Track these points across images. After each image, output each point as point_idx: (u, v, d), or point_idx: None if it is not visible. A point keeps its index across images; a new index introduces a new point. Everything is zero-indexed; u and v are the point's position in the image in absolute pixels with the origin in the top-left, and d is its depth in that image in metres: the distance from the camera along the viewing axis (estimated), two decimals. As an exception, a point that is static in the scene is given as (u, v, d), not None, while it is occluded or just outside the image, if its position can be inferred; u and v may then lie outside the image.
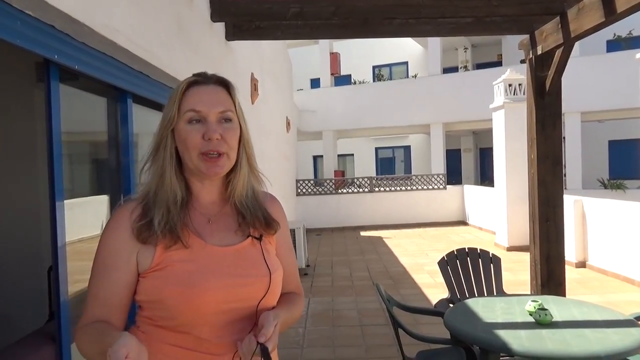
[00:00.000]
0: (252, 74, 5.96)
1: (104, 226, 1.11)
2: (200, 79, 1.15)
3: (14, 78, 3.75)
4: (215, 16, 3.96)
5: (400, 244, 10.25)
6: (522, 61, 4.71)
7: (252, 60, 6.14)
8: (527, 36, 4.36)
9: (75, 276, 2.47)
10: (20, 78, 3.70)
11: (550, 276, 4.20)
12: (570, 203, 7.37)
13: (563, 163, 4.57)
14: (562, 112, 4.29)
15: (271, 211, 1.24)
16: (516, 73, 9.28)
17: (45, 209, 2.01)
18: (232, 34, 4.41)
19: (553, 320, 2.57)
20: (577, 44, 3.37)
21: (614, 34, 15.36)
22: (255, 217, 1.18)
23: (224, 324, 1.07)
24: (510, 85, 9.19)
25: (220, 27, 4.27)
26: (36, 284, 3.52)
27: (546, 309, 2.59)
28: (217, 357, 1.07)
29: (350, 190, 13.97)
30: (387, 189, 13.86)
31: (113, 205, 2.84)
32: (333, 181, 14.09)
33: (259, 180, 1.24)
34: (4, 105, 3.77)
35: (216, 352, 1.07)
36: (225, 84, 1.17)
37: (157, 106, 3.08)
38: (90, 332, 1.04)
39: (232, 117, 1.14)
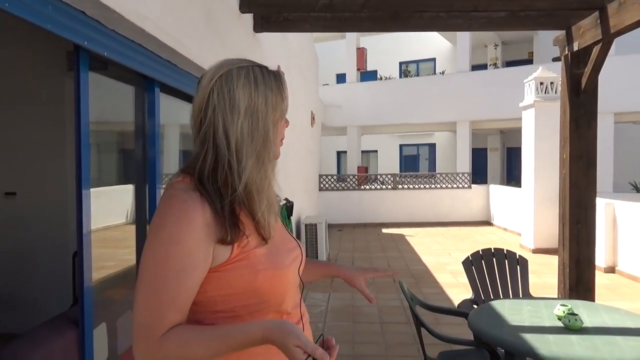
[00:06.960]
0: (278, 66, 5.94)
1: (165, 220, 0.97)
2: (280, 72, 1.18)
3: (46, 68, 3.82)
4: (244, 7, 3.94)
5: (422, 242, 10.13)
6: (555, 59, 4.56)
7: (278, 53, 6.12)
8: (562, 32, 4.22)
9: (101, 262, 2.49)
10: (52, 67, 3.77)
11: (579, 280, 4.08)
12: (601, 206, 7.14)
13: (596, 164, 4.41)
14: (597, 111, 4.14)
15: None
16: (548, 71, 9.03)
17: (73, 196, 2.02)
18: (260, 25, 4.39)
19: (583, 325, 2.48)
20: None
21: (653, 33, 14.79)
22: None
23: (295, 295, 1.15)
24: (541, 83, 8.95)
25: (248, 18, 4.25)
26: (63, 269, 3.58)
27: (576, 314, 2.50)
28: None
29: (373, 187, 13.87)
30: (411, 186, 13.71)
31: (139, 194, 2.85)
32: (356, 177, 14.01)
33: None
34: (36, 93, 3.84)
35: (294, 322, 1.12)
36: None
37: (184, 96, 3.08)
38: (192, 336, 0.93)
39: None
